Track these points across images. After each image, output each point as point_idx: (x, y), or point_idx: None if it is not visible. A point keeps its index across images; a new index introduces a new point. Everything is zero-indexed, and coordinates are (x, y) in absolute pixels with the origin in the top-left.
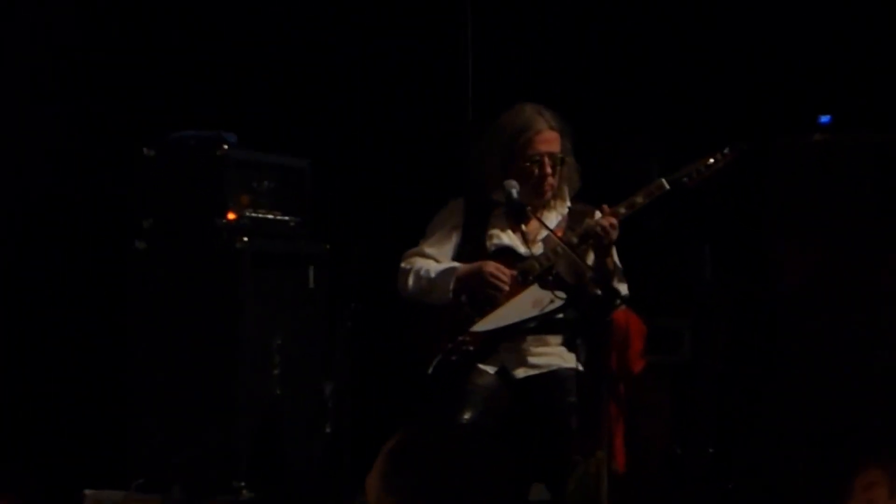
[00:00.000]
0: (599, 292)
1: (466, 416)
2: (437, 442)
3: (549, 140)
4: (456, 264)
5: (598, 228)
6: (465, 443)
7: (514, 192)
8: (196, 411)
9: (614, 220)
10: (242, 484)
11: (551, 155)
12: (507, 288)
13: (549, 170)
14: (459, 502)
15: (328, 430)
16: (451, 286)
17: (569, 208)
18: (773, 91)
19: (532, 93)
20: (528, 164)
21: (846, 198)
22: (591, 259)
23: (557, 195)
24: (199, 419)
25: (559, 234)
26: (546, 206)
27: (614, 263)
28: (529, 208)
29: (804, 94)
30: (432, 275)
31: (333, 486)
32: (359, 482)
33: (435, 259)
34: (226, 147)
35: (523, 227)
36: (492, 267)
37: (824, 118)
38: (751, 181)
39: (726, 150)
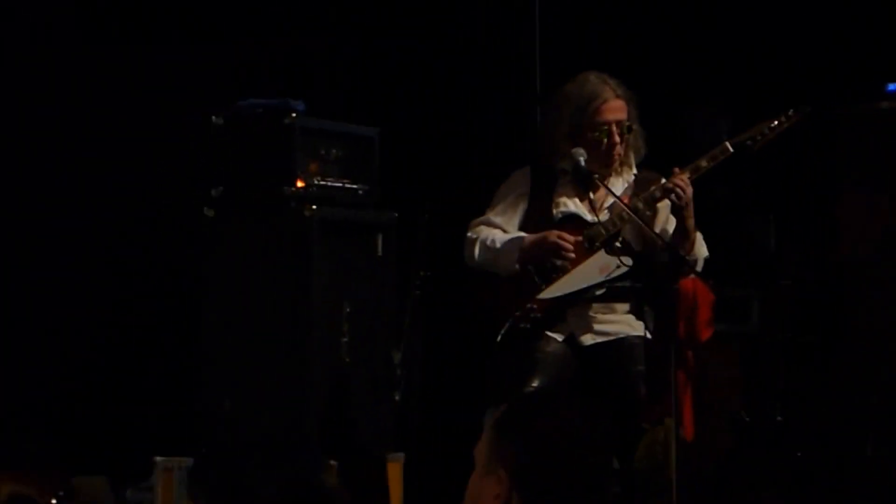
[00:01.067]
0: (666, 259)
1: (535, 383)
2: (544, 412)
3: (617, 108)
4: (522, 234)
5: (671, 189)
6: (571, 413)
7: (582, 161)
8: (265, 378)
9: (685, 177)
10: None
11: (619, 123)
12: (572, 256)
13: (617, 138)
14: (566, 471)
15: (397, 398)
16: (517, 257)
17: (635, 175)
18: (841, 58)
19: (600, 61)
20: (596, 133)
21: None
22: (659, 225)
23: (624, 162)
24: (268, 386)
25: (625, 200)
26: (613, 173)
27: (693, 225)
28: (597, 176)
29: (872, 61)
30: (498, 245)
31: (402, 454)
32: (427, 450)
33: (501, 228)
34: (294, 115)
35: (591, 194)
36: (555, 235)
37: (892, 86)
38: (818, 149)
39: (790, 112)
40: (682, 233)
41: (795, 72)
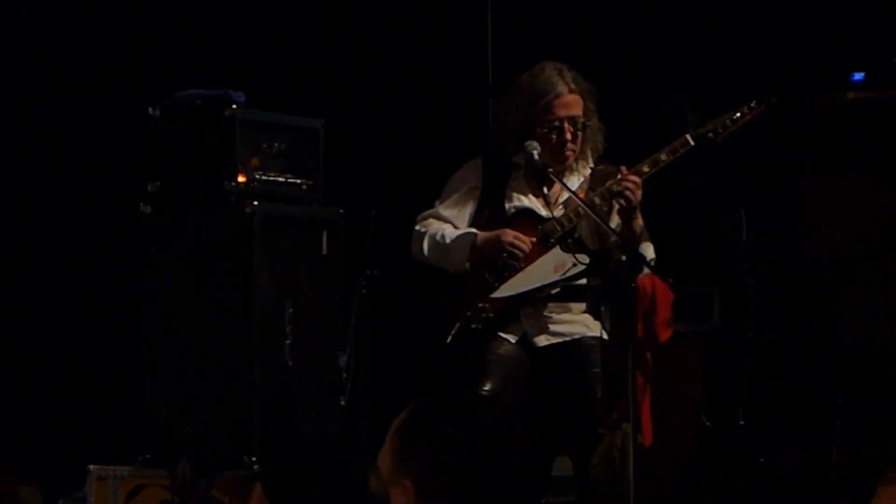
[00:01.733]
0: (623, 256)
1: (487, 386)
2: (450, 415)
3: (570, 104)
4: (474, 231)
5: (621, 189)
6: (481, 414)
7: (536, 154)
8: (205, 382)
9: (637, 179)
10: (253, 459)
11: (572, 119)
12: (524, 255)
13: (569, 136)
14: (477, 478)
15: (343, 403)
16: (468, 255)
17: (591, 169)
18: (807, 47)
19: (557, 50)
20: (546, 130)
21: (882, 157)
22: (615, 222)
23: (580, 157)
24: (208, 391)
25: (581, 195)
26: (568, 168)
27: (641, 227)
28: (551, 170)
29: (838, 51)
30: (447, 241)
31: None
32: (376, 458)
33: (452, 223)
34: (234, 107)
35: (545, 189)
36: (511, 235)
37: (857, 75)
38: (784, 141)
39: (753, 104)
40: (629, 234)
41: (762, 60)
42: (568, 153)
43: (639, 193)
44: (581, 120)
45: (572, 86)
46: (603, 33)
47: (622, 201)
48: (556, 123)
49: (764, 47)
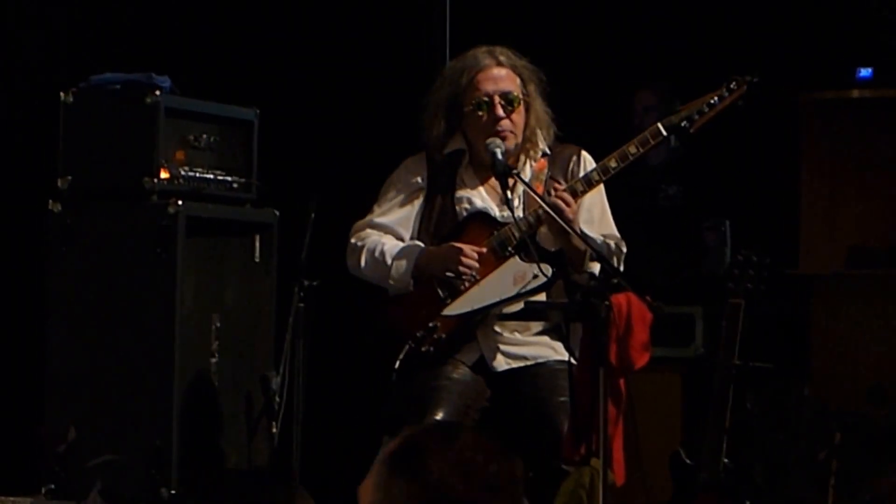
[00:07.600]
0: (595, 266)
1: (438, 415)
2: (446, 452)
3: (499, 77)
4: (417, 244)
5: (552, 203)
6: (479, 455)
7: (500, 153)
8: (119, 404)
9: (565, 196)
10: (172, 491)
11: (503, 94)
12: (478, 277)
13: (500, 111)
14: None
15: (275, 429)
16: (410, 274)
17: (547, 153)
18: (806, 39)
19: (521, 35)
20: (473, 108)
21: (889, 164)
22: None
23: (529, 144)
24: (122, 414)
25: (539, 189)
26: (516, 155)
27: (583, 247)
28: (516, 171)
29: (841, 43)
30: (388, 258)
31: (279, 494)
32: (310, 491)
33: (392, 232)
34: (158, 93)
35: (508, 194)
36: (455, 251)
37: (864, 72)
38: (778, 145)
39: (732, 85)
40: (571, 253)
41: (754, 50)
42: (504, 133)
43: (569, 211)
44: (515, 95)
45: (501, 59)
46: (573, 13)
47: (554, 219)
48: (485, 99)
49: (754, 36)
